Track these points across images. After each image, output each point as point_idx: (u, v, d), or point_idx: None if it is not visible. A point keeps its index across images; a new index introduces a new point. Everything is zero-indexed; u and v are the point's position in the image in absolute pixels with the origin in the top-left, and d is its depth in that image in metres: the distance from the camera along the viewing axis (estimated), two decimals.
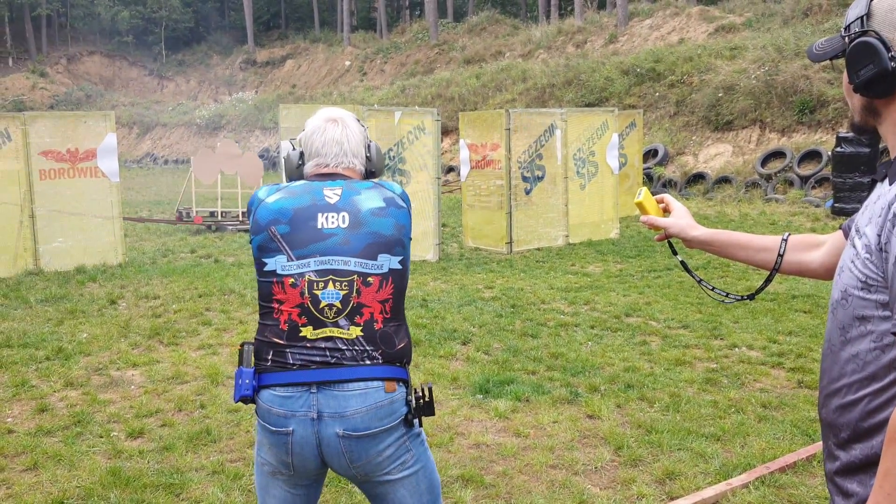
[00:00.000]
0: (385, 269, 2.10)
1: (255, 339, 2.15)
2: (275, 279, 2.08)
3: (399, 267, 2.13)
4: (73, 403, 4.98)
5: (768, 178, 16.07)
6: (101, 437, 4.44)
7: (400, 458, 2.11)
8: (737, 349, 5.87)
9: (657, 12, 29.56)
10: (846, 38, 1.45)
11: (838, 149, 13.23)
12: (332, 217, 2.11)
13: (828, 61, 1.57)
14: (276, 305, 2.09)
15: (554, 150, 11.46)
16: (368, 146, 2.34)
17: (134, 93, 55.62)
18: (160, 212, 17.95)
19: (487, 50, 34.74)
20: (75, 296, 8.10)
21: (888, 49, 1.36)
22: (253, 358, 2.13)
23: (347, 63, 44.78)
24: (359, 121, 2.37)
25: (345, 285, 2.06)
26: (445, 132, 22.68)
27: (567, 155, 11.53)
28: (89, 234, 9.91)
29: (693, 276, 2.06)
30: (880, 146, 13.05)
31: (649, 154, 18.16)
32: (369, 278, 2.08)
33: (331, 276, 2.06)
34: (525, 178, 11.16)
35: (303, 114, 9.57)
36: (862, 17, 1.42)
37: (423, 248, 10.26)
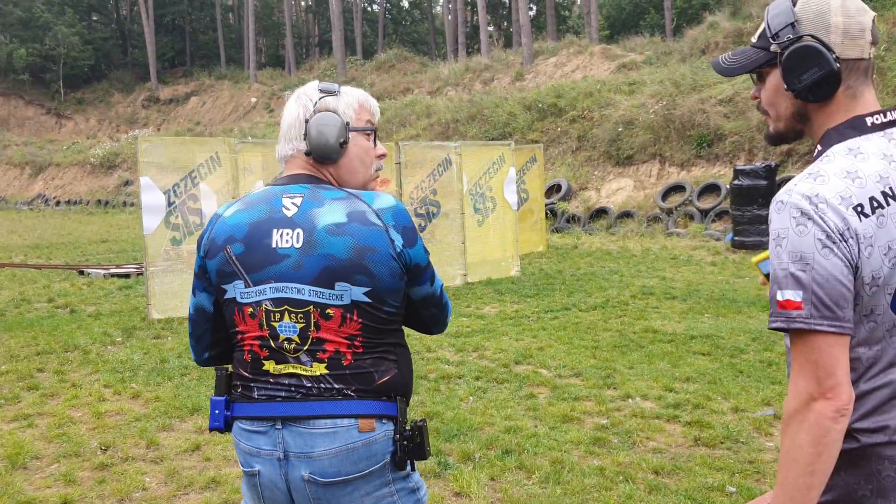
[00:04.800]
0: (346, 301, 1.72)
1: (233, 365, 1.88)
2: (235, 307, 1.79)
3: (366, 300, 1.73)
4: None
5: (669, 212, 15.97)
6: None
7: None
8: (630, 400, 5.30)
9: (561, 50, 29.91)
10: (775, 46, 1.48)
11: (736, 181, 13.16)
12: (287, 234, 1.75)
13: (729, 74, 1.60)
14: (239, 336, 1.81)
15: (449, 185, 10.91)
16: (307, 120, 1.80)
17: (30, 132, 53.02)
18: (36, 256, 16.59)
19: (396, 87, 34.51)
20: None
21: (830, 51, 1.41)
22: (225, 385, 1.86)
23: (253, 100, 43.86)
24: (325, 91, 1.85)
25: (300, 317, 1.73)
26: None
27: (463, 190, 10.99)
28: None
29: None
30: (777, 179, 13.05)
31: (553, 189, 17.92)
32: (328, 310, 1.72)
33: (286, 307, 1.74)
34: (418, 215, 10.54)
35: (165, 148, 8.71)
36: (792, 24, 1.44)
37: None
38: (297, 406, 1.74)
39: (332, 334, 1.74)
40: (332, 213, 1.75)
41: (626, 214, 16.54)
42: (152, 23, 49.41)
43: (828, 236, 1.36)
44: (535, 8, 47.01)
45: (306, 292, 1.73)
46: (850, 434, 1.46)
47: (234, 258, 1.77)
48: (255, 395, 1.79)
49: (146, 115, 49.67)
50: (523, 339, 7.27)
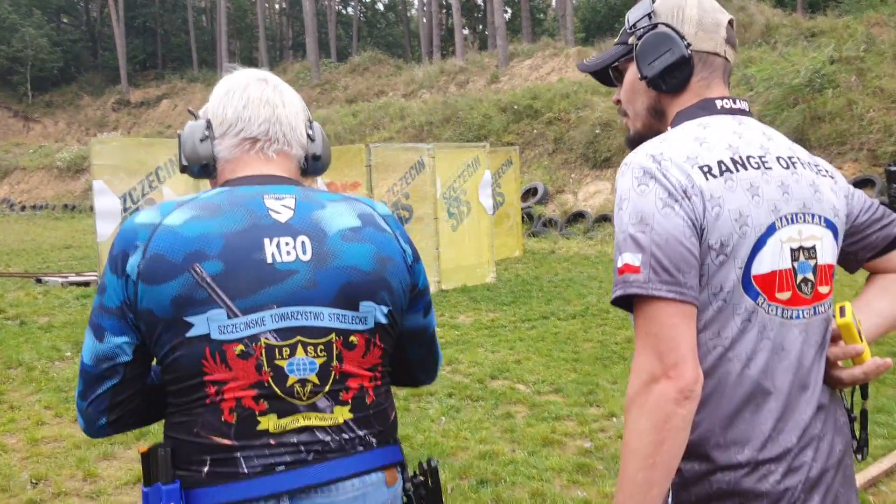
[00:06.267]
0: (370, 324, 1.39)
1: (171, 437, 1.35)
2: (207, 347, 1.30)
3: (386, 321, 1.41)
4: None
5: None
6: None
7: None
8: (615, 419, 4.93)
9: (537, 53, 29.68)
10: (633, 39, 1.47)
11: None
12: (287, 243, 1.35)
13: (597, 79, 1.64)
14: (212, 388, 1.31)
15: (422, 189, 10.51)
16: (310, 122, 1.56)
17: None
18: None
19: (370, 89, 34.14)
20: None
21: (682, 38, 1.40)
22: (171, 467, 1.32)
23: None
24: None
25: (321, 350, 1.35)
26: None
27: (437, 194, 10.60)
28: None
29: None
30: None
31: (529, 193, 17.59)
32: (352, 337, 1.38)
33: (299, 338, 1.34)
34: None
35: (119, 149, 8.23)
36: (648, 15, 1.45)
37: None
38: (312, 471, 1.33)
39: (356, 367, 1.39)
40: (341, 215, 1.40)
41: (604, 218, 16.24)
42: (123, 25, 48.64)
43: (669, 194, 1.26)
44: (510, 11, 46.81)
45: (325, 316, 1.35)
46: (704, 453, 1.27)
47: (208, 280, 1.31)
48: (244, 468, 1.31)
49: (116, 118, 48.93)
50: (499, 351, 6.89)
